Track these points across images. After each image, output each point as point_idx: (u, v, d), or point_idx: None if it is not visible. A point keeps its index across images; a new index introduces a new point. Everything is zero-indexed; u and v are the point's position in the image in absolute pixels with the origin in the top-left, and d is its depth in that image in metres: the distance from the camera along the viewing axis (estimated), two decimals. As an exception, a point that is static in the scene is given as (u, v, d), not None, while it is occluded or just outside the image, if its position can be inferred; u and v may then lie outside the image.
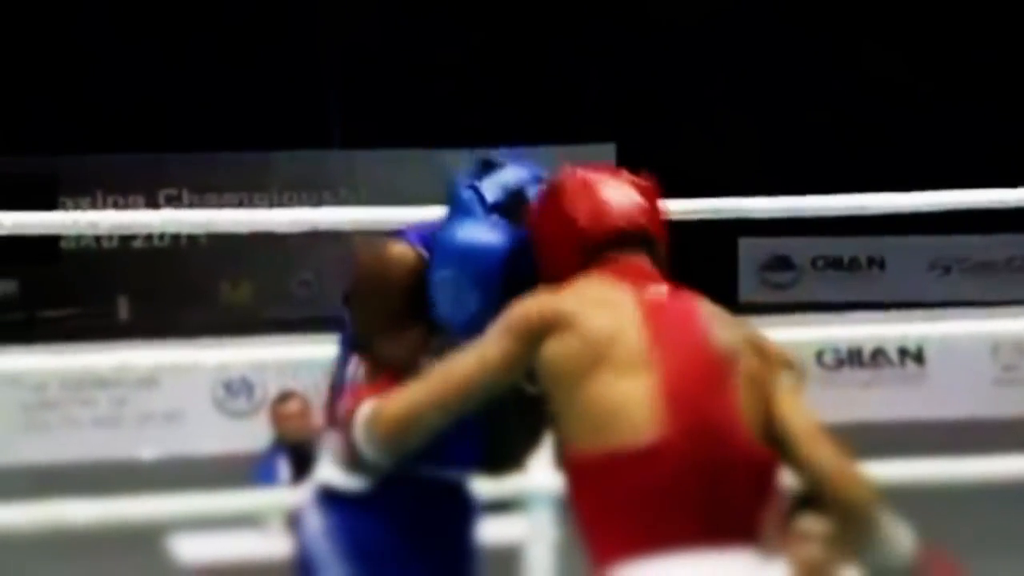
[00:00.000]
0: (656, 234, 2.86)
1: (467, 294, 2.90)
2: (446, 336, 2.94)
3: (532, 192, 2.95)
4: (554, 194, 2.87)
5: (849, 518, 2.74)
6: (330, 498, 3.05)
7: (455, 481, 3.08)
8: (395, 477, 2.96)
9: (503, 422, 2.94)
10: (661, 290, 2.77)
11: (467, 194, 2.96)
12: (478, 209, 2.94)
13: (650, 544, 2.60)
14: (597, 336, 2.67)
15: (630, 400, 2.62)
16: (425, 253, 2.98)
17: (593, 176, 2.87)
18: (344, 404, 2.97)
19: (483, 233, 2.91)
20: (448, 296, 2.92)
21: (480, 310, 2.88)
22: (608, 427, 2.62)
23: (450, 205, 2.98)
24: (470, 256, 2.90)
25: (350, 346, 3.09)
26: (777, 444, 2.70)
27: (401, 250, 3.01)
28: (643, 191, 2.88)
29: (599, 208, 2.82)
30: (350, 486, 3.02)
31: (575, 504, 2.69)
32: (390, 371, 2.96)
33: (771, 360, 2.75)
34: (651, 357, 2.65)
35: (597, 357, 2.65)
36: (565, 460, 2.69)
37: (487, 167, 2.99)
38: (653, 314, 2.71)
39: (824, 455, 2.71)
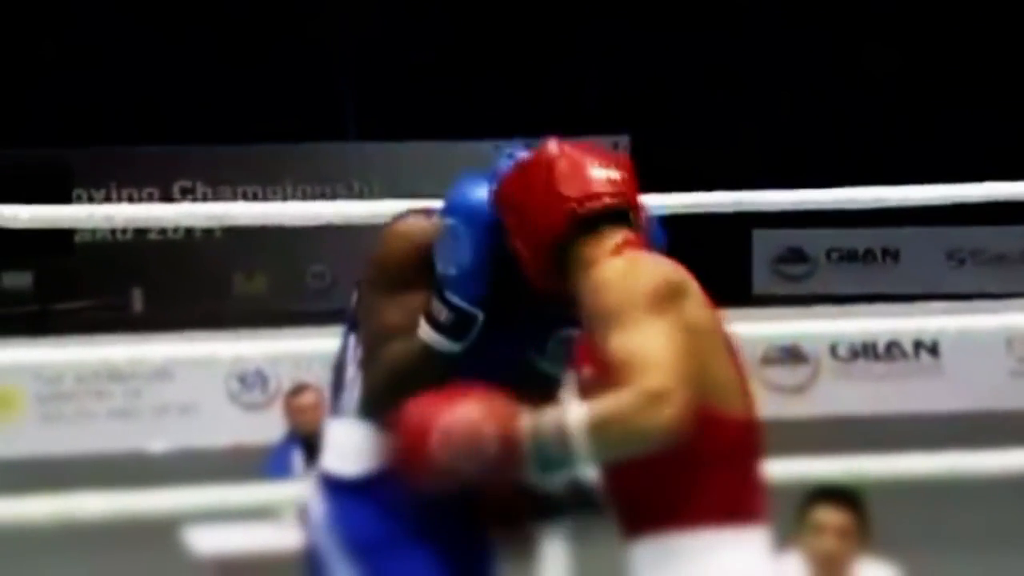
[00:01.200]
0: (638, 209, 2.88)
1: (462, 250, 2.90)
2: (442, 299, 2.94)
3: None
4: (539, 168, 2.86)
5: None
6: (333, 487, 3.04)
7: None
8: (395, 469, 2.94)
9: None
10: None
11: (504, 161, 2.96)
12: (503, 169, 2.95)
13: (741, 514, 2.66)
14: (704, 305, 2.70)
15: (728, 371, 2.69)
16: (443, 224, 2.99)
17: (575, 151, 2.87)
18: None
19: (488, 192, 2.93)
20: (446, 245, 2.92)
21: (471, 264, 2.88)
22: (720, 392, 2.67)
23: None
24: (474, 207, 2.90)
25: (350, 325, 3.09)
26: None
27: (414, 221, 3.02)
28: (621, 166, 2.89)
29: (590, 182, 2.82)
30: (353, 473, 3.01)
31: (676, 462, 2.64)
32: (387, 335, 2.96)
33: None
34: (722, 332, 2.73)
35: (708, 326, 2.69)
36: (699, 419, 2.62)
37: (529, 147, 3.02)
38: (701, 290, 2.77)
39: None
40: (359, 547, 3.00)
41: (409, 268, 2.97)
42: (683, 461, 2.63)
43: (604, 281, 2.66)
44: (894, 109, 22.71)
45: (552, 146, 2.88)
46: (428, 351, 2.93)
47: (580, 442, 2.52)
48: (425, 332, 2.94)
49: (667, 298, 2.62)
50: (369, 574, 3.00)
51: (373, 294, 3.02)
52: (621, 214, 2.82)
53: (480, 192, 2.92)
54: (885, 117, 22.74)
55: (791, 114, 22.74)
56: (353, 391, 3.05)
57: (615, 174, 2.85)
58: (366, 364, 3.02)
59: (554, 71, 23.13)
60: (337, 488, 3.03)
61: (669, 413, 2.50)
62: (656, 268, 2.69)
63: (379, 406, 2.96)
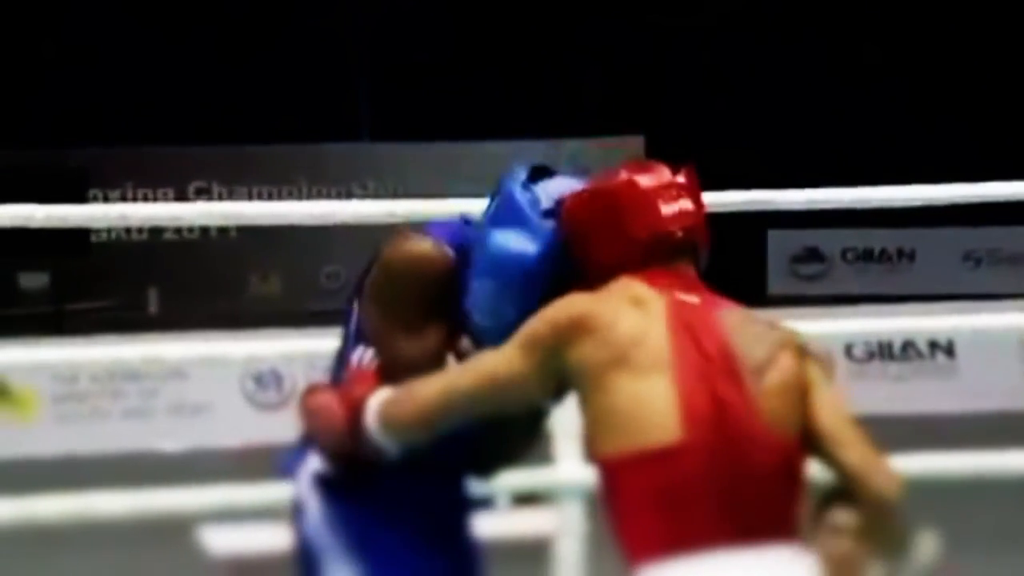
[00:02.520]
0: (702, 241, 2.86)
1: (505, 303, 2.87)
2: (475, 339, 2.93)
3: None
4: (605, 198, 2.84)
5: (877, 514, 2.78)
6: (331, 486, 3.03)
7: (449, 473, 3.06)
8: (390, 467, 2.92)
9: (498, 427, 2.92)
10: (693, 296, 2.77)
11: (524, 196, 2.90)
12: (533, 213, 2.89)
13: (676, 544, 2.62)
14: (620, 338, 2.68)
15: (650, 402, 2.64)
16: (451, 252, 2.95)
17: (644, 180, 2.84)
18: (355, 388, 2.95)
19: (530, 242, 2.87)
20: (486, 302, 2.89)
21: (517, 320, 2.83)
22: (629, 429, 2.64)
23: (501, 204, 2.92)
24: (515, 265, 2.86)
25: (356, 338, 3.06)
26: (810, 442, 2.72)
27: (428, 248, 2.97)
28: (690, 193, 2.87)
29: (655, 218, 2.81)
30: (344, 475, 3.00)
31: (607, 504, 2.71)
32: (406, 369, 2.92)
33: (808, 358, 2.77)
34: (673, 359, 2.66)
35: (619, 359, 2.67)
36: (594, 461, 2.71)
37: (540, 172, 2.95)
38: (680, 317, 2.71)
39: (852, 452, 2.72)
40: (358, 546, 2.99)
41: (429, 301, 2.94)
42: (614, 502, 2.67)
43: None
44: (901, 110, 22.67)
45: (623, 173, 2.85)
46: None
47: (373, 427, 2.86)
48: None
49: (549, 336, 2.71)
50: (367, 573, 2.99)
51: (384, 320, 2.98)
52: (683, 248, 2.82)
53: (518, 242, 2.87)
54: (890, 118, 22.70)
55: (817, 109, 22.70)
56: None
57: (681, 205, 2.83)
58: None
59: (571, 72, 23.13)
60: (335, 487, 3.02)
61: (392, 438, 2.83)
62: (573, 305, 2.73)
63: None
